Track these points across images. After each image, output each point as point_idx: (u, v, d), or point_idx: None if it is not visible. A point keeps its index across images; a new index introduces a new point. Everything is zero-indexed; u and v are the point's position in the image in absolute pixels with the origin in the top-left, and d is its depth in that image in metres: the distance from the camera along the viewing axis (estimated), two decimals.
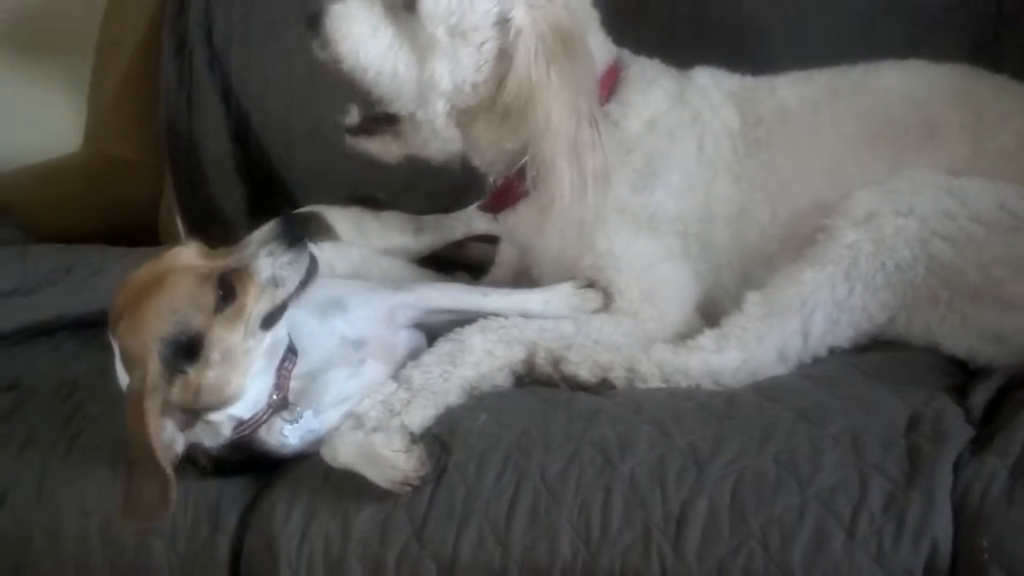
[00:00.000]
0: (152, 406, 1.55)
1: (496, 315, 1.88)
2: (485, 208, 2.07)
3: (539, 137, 1.80)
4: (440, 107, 1.89)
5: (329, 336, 1.79)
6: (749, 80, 2.06)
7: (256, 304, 1.63)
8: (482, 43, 1.84)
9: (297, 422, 1.72)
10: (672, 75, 2.03)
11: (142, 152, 2.85)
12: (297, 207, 2.45)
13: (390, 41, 1.86)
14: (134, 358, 1.58)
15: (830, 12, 2.32)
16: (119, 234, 2.71)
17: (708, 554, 1.50)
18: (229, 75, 2.68)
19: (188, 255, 1.64)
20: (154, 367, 1.56)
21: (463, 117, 1.91)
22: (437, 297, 1.92)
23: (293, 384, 1.73)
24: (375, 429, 1.67)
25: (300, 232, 1.67)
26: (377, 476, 1.64)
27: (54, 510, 1.81)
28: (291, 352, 1.73)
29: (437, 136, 1.92)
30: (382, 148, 1.97)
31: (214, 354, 1.60)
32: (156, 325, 1.57)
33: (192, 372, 1.59)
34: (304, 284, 1.66)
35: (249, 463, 1.76)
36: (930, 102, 1.92)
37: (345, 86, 1.90)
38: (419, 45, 1.86)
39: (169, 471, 1.56)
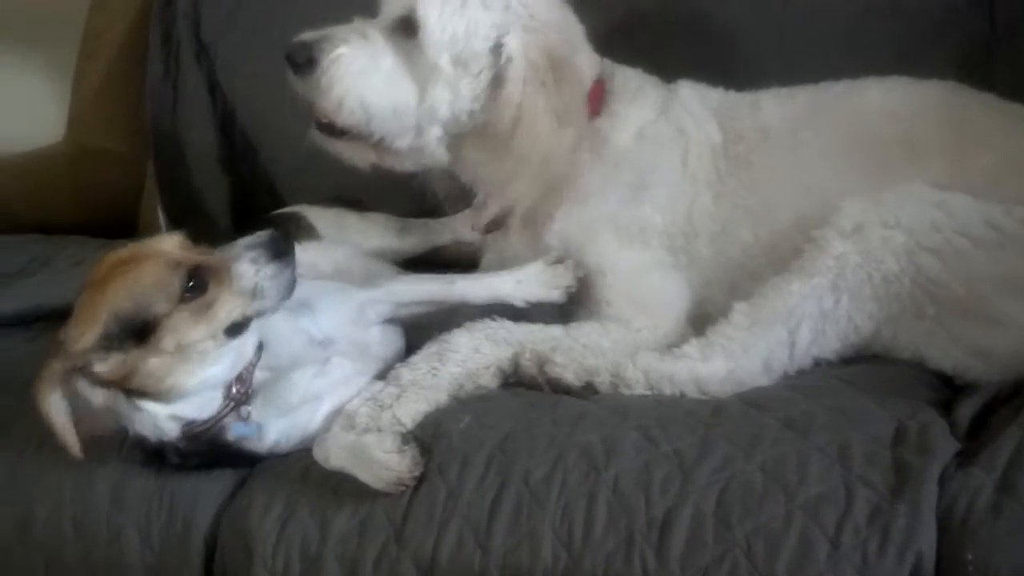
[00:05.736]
0: (57, 368, 1.56)
1: (469, 302, 1.86)
2: (479, 230, 2.06)
3: (521, 161, 1.82)
4: (435, 134, 1.89)
5: (297, 337, 1.77)
6: (732, 95, 2.06)
7: (228, 307, 1.60)
8: (480, 72, 1.84)
9: (246, 422, 1.69)
10: (656, 84, 2.03)
11: (124, 143, 2.84)
12: (281, 202, 2.44)
13: (390, 73, 1.85)
14: (81, 321, 1.57)
15: (820, 26, 2.31)
16: (99, 226, 2.70)
17: (692, 562, 1.49)
18: (215, 69, 2.66)
19: (170, 243, 1.64)
20: (90, 338, 1.56)
21: (453, 140, 1.91)
22: (405, 290, 1.89)
23: (258, 375, 1.70)
24: (366, 430, 1.66)
25: (289, 247, 1.65)
26: (369, 477, 1.62)
27: (27, 502, 1.79)
28: (257, 348, 1.70)
29: (424, 157, 1.92)
30: (354, 153, 1.94)
31: (167, 341, 1.58)
32: (114, 301, 1.57)
33: (134, 353, 1.57)
34: (281, 301, 1.65)
35: (224, 459, 1.73)
36: (913, 122, 1.91)
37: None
38: (419, 74, 1.85)
39: (56, 422, 1.57)
